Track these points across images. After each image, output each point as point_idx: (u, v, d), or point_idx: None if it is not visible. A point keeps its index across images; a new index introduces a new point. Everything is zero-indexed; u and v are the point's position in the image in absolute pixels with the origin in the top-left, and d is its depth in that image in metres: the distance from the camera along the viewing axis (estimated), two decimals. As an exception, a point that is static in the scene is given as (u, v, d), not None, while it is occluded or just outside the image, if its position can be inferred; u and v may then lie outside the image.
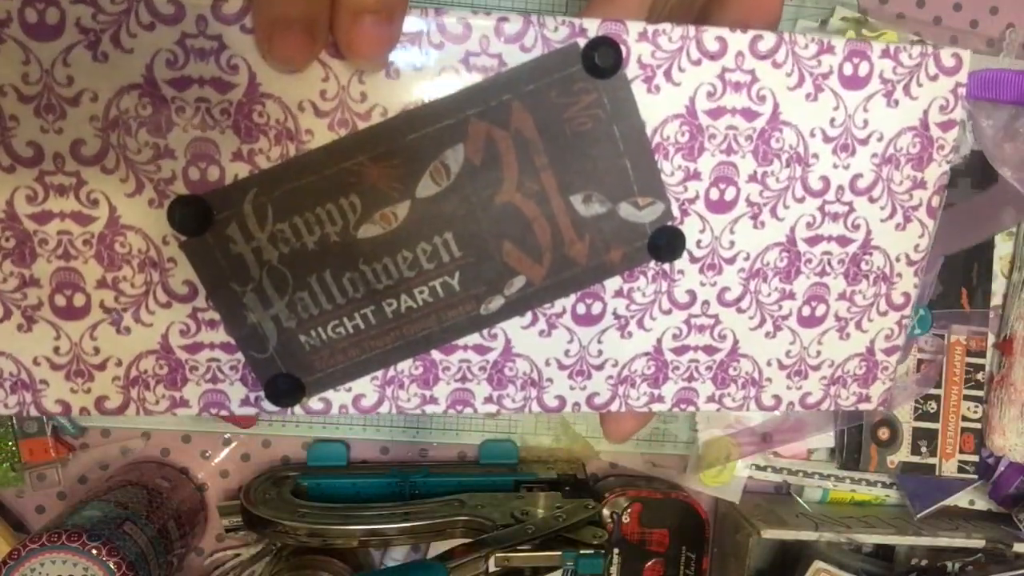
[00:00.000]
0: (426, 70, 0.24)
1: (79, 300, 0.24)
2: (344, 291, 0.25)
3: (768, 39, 0.25)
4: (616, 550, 0.56)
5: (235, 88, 0.23)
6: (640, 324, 0.27)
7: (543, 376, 0.27)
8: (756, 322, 0.28)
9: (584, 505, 0.52)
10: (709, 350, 0.28)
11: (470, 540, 0.50)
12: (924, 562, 0.58)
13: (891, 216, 0.27)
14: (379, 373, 0.26)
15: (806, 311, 0.28)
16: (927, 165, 0.27)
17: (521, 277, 0.25)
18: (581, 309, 0.26)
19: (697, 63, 0.25)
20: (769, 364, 0.28)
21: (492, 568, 0.48)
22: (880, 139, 0.26)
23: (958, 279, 0.57)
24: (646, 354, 0.27)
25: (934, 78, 0.26)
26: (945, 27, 0.59)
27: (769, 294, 0.28)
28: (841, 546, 0.57)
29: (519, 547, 0.49)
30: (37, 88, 0.22)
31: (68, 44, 0.22)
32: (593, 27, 0.24)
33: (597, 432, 0.59)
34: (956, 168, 0.57)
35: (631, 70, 0.24)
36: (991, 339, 0.59)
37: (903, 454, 0.57)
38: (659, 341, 0.27)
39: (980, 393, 0.58)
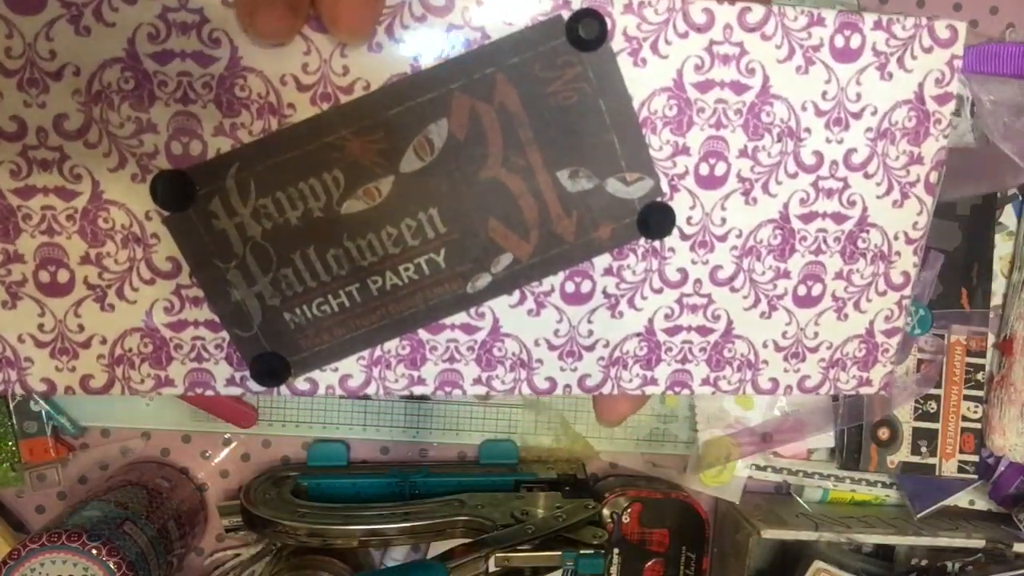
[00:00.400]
0: (408, 43, 0.23)
1: (63, 276, 0.24)
2: (328, 268, 0.24)
3: (757, 11, 0.24)
4: (616, 550, 0.56)
5: (217, 62, 0.23)
6: (631, 303, 0.26)
7: (533, 357, 0.26)
8: (750, 302, 0.27)
9: (584, 505, 0.52)
10: (703, 331, 0.27)
11: (470, 540, 0.50)
12: (924, 562, 0.58)
13: (888, 192, 0.27)
14: (365, 353, 0.25)
15: (802, 291, 0.27)
16: (924, 140, 0.26)
17: (508, 254, 0.25)
18: (570, 288, 0.26)
19: (684, 35, 0.24)
20: (765, 346, 0.28)
21: (492, 568, 0.48)
22: (874, 113, 0.26)
23: (958, 279, 0.57)
24: (638, 335, 0.27)
25: (929, 50, 0.26)
26: (945, 27, 0.59)
27: (763, 273, 0.27)
28: (841, 546, 0.57)
29: (519, 547, 0.49)
30: (20, 62, 0.22)
31: (50, 18, 0.22)
32: None
33: (597, 432, 0.59)
34: (956, 168, 0.56)
35: (616, 43, 0.24)
36: (991, 339, 0.58)
37: (903, 454, 0.57)
38: (651, 321, 0.27)
39: (980, 393, 0.58)
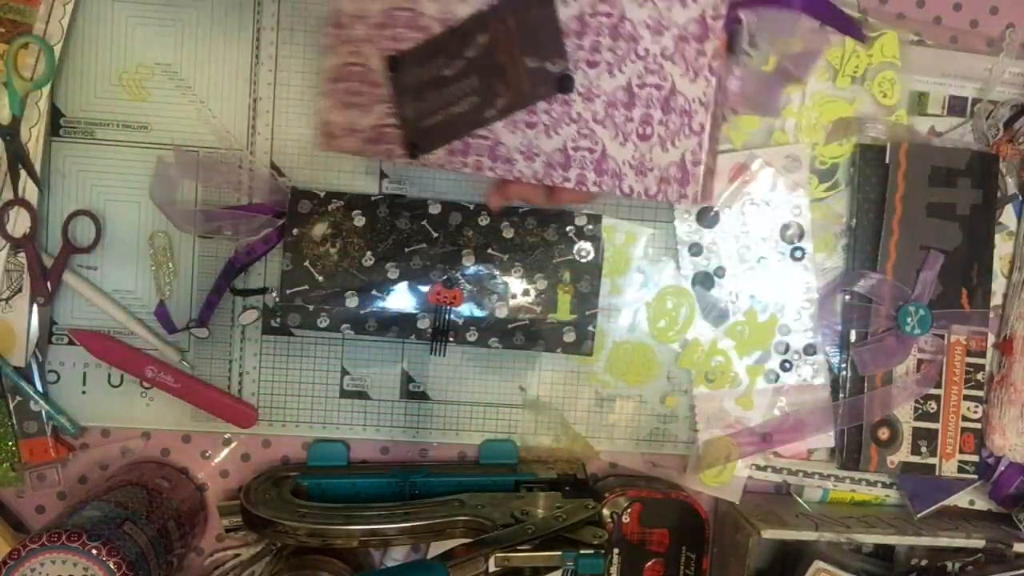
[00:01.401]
0: (471, 3, 0.46)
1: (354, 99, 0.51)
2: (438, 102, 0.48)
3: None
4: (616, 550, 0.56)
5: (410, 12, 0.48)
6: (556, 131, 0.46)
7: (513, 158, 0.47)
8: (614, 135, 0.45)
9: (584, 505, 0.52)
10: (591, 151, 0.46)
11: (470, 540, 0.50)
12: (924, 562, 0.58)
13: (686, 73, 0.43)
14: (446, 146, 0.49)
15: (641, 130, 0.45)
16: (706, 42, 0.42)
17: (502, 99, 0.47)
18: (528, 119, 0.46)
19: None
20: (624, 164, 0.45)
21: (492, 568, 0.48)
22: (678, 27, 0.43)
23: (958, 279, 0.57)
24: (560, 150, 0.46)
25: None
26: (945, 27, 0.59)
27: (619, 117, 0.45)
28: (841, 546, 0.57)
29: (519, 547, 0.49)
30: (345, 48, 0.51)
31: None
32: None
33: (597, 432, 0.59)
34: (956, 168, 0.57)
35: None
36: (991, 339, 0.59)
37: (903, 454, 0.57)
38: (565, 143, 0.46)
39: (980, 393, 0.58)
